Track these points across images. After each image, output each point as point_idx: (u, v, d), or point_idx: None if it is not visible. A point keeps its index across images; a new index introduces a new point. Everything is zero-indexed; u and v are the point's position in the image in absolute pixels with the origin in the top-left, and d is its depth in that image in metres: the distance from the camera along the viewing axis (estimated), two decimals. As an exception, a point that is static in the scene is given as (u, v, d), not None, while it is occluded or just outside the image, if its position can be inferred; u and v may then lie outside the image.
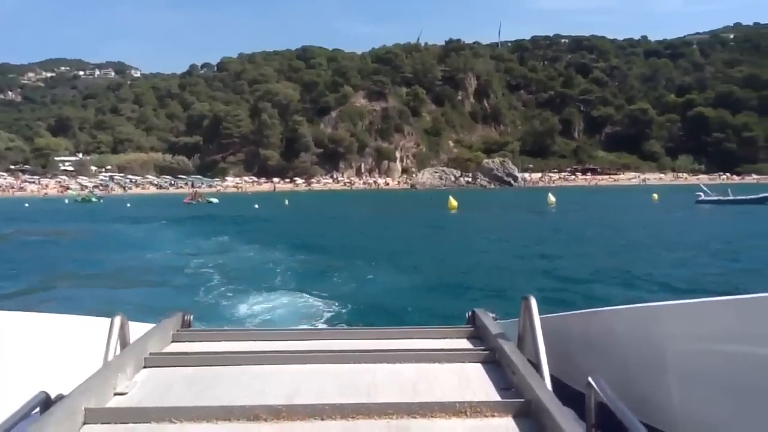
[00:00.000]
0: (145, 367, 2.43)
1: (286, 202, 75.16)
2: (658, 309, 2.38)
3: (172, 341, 2.85)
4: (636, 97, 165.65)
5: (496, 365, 2.47)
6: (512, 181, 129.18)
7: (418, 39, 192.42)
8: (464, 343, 2.85)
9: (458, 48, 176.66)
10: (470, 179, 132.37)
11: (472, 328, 3.01)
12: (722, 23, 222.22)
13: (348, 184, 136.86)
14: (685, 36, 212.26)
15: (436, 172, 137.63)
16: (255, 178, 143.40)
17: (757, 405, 1.86)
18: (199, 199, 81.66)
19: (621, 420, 1.76)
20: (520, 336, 2.61)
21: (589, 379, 2.03)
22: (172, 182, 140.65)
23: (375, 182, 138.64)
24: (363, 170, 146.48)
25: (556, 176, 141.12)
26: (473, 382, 2.31)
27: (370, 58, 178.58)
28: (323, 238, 31.23)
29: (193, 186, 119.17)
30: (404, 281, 17.33)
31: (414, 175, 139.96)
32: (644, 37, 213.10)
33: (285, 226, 40.84)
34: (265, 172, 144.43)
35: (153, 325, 2.86)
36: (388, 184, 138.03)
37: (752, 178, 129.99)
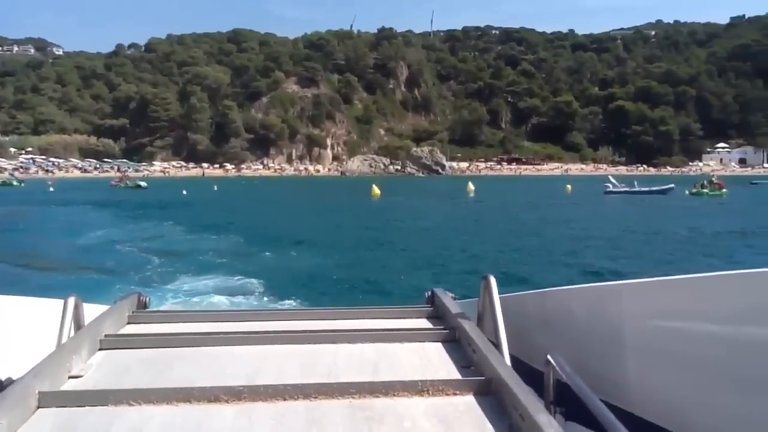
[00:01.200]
0: (100, 349, 2.40)
1: (215, 187, 76.72)
2: (617, 288, 2.46)
3: (128, 323, 2.85)
4: (561, 90, 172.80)
5: (456, 344, 2.51)
6: (440, 170, 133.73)
7: (351, 26, 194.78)
8: (424, 323, 2.92)
9: (390, 36, 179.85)
10: (399, 167, 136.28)
11: (431, 308, 3.09)
12: (646, 20, 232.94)
13: (279, 171, 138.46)
14: (610, 31, 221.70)
15: (366, 160, 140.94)
16: (183, 163, 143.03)
17: (712, 381, 1.92)
18: (128, 182, 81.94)
19: (579, 397, 1.82)
20: (479, 315, 2.68)
21: (548, 357, 2.10)
22: (97, 166, 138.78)
23: (306, 169, 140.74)
24: (294, 157, 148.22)
25: (482, 165, 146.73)
26: (434, 360, 2.34)
27: (302, 44, 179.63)
28: (252, 222, 33.77)
29: (119, 170, 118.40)
30: (329, 262, 19.50)
31: (344, 163, 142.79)
32: (572, 31, 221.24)
33: (213, 211, 43.12)
34: (194, 156, 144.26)
35: (108, 306, 2.91)
36: (318, 171, 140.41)
37: (667, 170, 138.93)
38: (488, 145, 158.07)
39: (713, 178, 61.52)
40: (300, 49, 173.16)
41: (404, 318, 2.97)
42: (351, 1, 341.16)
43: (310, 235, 27.29)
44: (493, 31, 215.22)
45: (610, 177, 70.02)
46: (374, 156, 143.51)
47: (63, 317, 2.38)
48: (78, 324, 2.46)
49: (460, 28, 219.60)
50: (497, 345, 2.30)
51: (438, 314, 2.97)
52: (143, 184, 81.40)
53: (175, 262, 19.05)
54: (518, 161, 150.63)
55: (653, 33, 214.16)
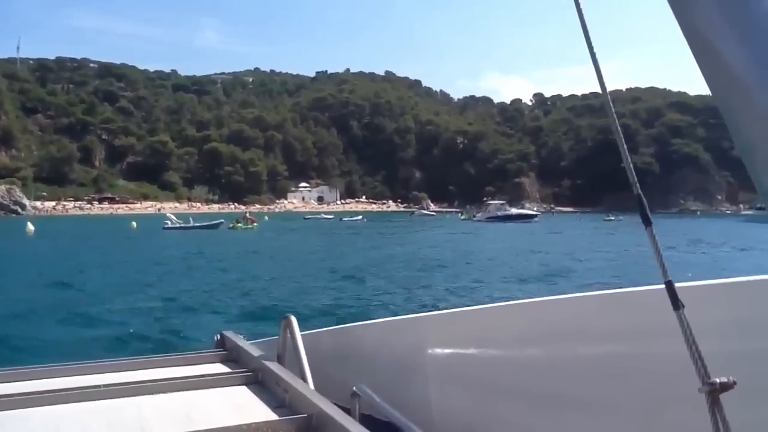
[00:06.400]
0: None
1: None
2: (415, 320, 2.72)
3: None
4: (160, 129, 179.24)
5: (260, 385, 2.52)
6: (20, 210, 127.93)
7: None
8: (221, 367, 2.89)
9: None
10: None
11: (224, 351, 3.07)
12: (245, 66, 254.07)
13: None
14: (212, 74, 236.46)
15: None
16: None
17: (503, 400, 2.15)
18: None
19: (389, 422, 1.94)
20: (279, 355, 2.70)
21: (354, 388, 2.23)
22: None
23: None
24: None
25: (71, 205, 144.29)
26: (244, 404, 2.32)
27: None
28: None
29: None
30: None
31: None
32: (174, 71, 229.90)
33: None
34: None
35: None
36: None
37: (255, 207, 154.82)
38: (80, 183, 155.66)
39: (247, 215, 74.70)
40: None
41: (199, 364, 2.96)
42: None
43: None
44: (92, 64, 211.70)
45: (168, 214, 78.83)
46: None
47: None
48: None
49: (53, 57, 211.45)
50: (305, 382, 2.38)
51: (233, 357, 3.00)
52: None
53: None
54: (111, 200, 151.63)
55: (251, 80, 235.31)
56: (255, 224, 70.25)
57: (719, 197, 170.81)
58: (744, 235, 58.25)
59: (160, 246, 48.92)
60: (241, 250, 43.95)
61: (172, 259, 36.58)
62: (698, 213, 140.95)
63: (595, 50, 1.10)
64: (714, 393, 1.04)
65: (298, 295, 22.20)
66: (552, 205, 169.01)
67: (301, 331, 2.70)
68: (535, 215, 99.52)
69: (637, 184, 1.10)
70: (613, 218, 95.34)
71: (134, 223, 78.07)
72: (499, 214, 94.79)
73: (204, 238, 57.52)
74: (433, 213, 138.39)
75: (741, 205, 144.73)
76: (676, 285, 1.06)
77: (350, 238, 58.53)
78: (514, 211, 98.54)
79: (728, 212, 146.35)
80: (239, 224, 69.68)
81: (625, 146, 1.12)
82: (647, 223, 1.12)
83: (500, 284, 25.27)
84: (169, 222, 71.89)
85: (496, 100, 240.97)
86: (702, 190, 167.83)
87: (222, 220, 72.93)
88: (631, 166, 1.09)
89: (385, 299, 21.34)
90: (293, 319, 2.67)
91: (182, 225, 70.80)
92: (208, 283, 25.41)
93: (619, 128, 1.11)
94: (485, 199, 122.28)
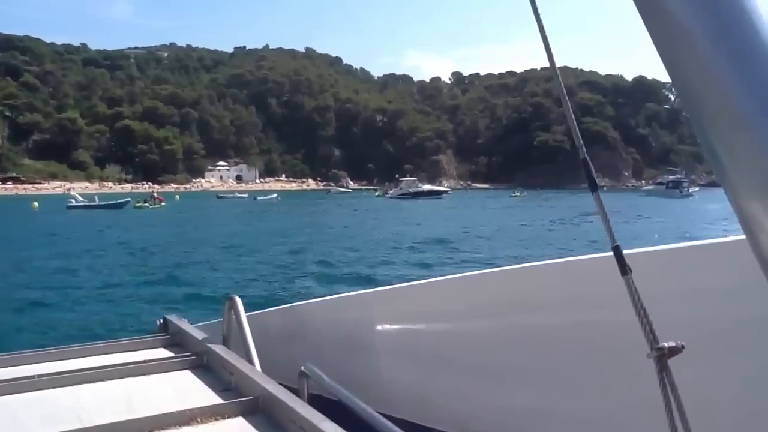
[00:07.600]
0: None
1: None
2: (364, 296, 2.71)
3: None
4: (68, 106, 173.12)
5: (205, 369, 2.47)
6: None
7: None
8: (164, 352, 2.82)
9: None
10: None
11: (167, 336, 3.01)
12: (161, 41, 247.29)
13: None
14: (125, 49, 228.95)
15: None
16: None
17: (450, 373, 2.14)
18: None
19: (338, 400, 1.91)
20: (224, 337, 2.65)
21: (302, 368, 2.20)
22: None
23: None
24: None
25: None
26: (190, 389, 2.26)
27: None
28: None
29: None
30: None
31: None
32: (84, 45, 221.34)
33: None
34: None
35: None
36: None
37: (171, 187, 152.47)
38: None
39: (154, 194, 74.66)
40: None
41: (142, 349, 2.88)
42: None
43: None
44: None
45: (72, 193, 77.86)
46: None
47: None
48: None
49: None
50: (250, 364, 2.34)
51: (177, 341, 2.94)
52: None
53: None
54: (16, 180, 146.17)
55: (166, 55, 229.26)
56: (163, 203, 70.22)
57: (626, 173, 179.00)
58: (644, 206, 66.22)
59: (59, 226, 48.76)
60: (142, 229, 44.46)
61: (71, 240, 36.63)
62: (605, 188, 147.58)
63: (544, 25, 1.03)
64: (662, 358, 1.04)
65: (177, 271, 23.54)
66: (468, 182, 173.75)
67: (246, 311, 2.66)
68: (445, 191, 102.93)
69: (584, 148, 1.10)
70: (518, 194, 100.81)
71: (36, 204, 75.82)
72: (411, 190, 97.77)
73: (108, 217, 57.40)
74: (350, 190, 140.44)
75: (643, 181, 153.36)
76: (624, 252, 1.07)
77: (255, 216, 59.58)
78: (425, 187, 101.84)
79: (632, 187, 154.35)
80: (146, 204, 69.48)
81: (572, 114, 1.13)
82: (594, 187, 1.14)
83: (368, 251, 27.35)
84: (73, 201, 70.91)
85: (416, 78, 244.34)
86: (610, 166, 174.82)
87: (128, 199, 72.21)
88: (578, 131, 1.10)
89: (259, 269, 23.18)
90: (238, 299, 2.62)
91: (86, 204, 70.04)
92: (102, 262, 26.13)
93: (567, 100, 1.11)
94: (396, 176, 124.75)
